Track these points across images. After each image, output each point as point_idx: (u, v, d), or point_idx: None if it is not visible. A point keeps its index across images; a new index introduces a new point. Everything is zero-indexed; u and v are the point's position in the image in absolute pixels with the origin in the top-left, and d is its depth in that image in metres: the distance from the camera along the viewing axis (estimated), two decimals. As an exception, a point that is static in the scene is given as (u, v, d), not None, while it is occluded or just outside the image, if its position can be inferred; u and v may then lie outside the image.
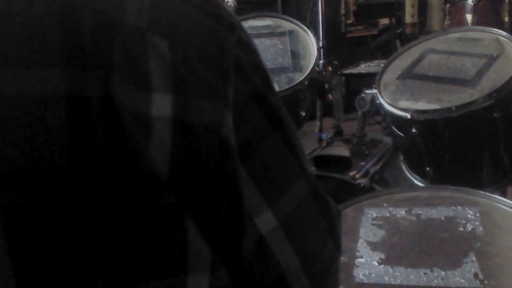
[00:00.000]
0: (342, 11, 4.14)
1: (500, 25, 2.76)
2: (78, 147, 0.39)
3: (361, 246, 0.95)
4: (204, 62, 0.44)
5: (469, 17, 2.92)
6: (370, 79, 1.64)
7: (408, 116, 1.33)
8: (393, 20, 4.33)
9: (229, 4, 2.01)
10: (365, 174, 1.53)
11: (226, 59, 0.45)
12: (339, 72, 2.30)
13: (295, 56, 1.68)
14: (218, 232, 0.45)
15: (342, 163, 1.54)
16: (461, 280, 0.82)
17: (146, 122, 0.41)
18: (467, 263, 0.86)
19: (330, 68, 2.03)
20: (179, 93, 0.42)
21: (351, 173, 1.52)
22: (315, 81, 1.68)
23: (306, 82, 1.60)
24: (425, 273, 0.85)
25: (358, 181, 1.48)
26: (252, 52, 0.48)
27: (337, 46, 3.94)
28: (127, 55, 0.41)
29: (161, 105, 0.41)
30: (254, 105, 0.47)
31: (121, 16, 0.42)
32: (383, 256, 0.91)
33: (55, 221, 0.41)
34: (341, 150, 1.62)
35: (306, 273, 0.49)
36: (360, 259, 0.91)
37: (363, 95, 1.64)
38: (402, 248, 0.93)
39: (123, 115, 0.40)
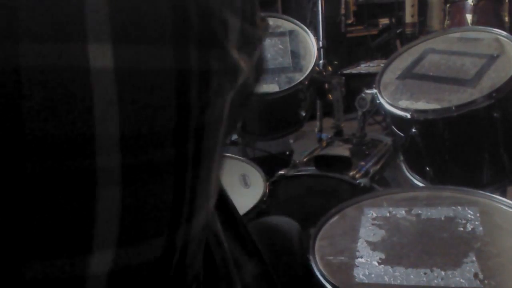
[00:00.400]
0: (342, 11, 4.14)
1: (500, 25, 2.76)
2: (183, 112, 0.47)
3: (361, 246, 0.95)
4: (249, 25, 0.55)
5: (469, 17, 2.92)
6: (370, 79, 1.64)
7: (408, 116, 1.33)
8: (393, 20, 4.33)
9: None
10: (365, 174, 1.53)
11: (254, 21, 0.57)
12: (339, 72, 2.31)
13: (295, 56, 1.68)
14: None
15: (342, 163, 1.54)
16: (461, 280, 0.82)
17: (235, 70, 0.52)
18: (467, 263, 0.86)
19: (330, 68, 2.03)
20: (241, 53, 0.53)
21: (351, 173, 1.52)
22: (315, 81, 1.68)
23: (306, 82, 1.60)
24: (425, 273, 0.85)
25: (358, 181, 1.48)
26: None
27: (337, 46, 3.94)
28: (220, 33, 0.49)
29: (239, 62, 0.52)
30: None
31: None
32: (383, 256, 0.91)
33: (165, 178, 0.48)
34: (341, 150, 1.62)
35: None
36: (360, 259, 0.91)
37: (363, 95, 1.64)
38: (402, 248, 0.93)
39: (215, 81, 0.49)
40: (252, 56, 0.58)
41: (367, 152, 1.70)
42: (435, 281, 0.83)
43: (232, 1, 0.53)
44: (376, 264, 0.89)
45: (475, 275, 0.83)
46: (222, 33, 0.50)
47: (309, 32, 1.75)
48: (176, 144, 0.48)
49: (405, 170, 1.50)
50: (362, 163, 1.60)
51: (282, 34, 1.75)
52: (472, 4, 2.90)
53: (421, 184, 1.43)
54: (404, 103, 1.38)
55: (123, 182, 0.45)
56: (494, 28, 1.53)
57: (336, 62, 2.16)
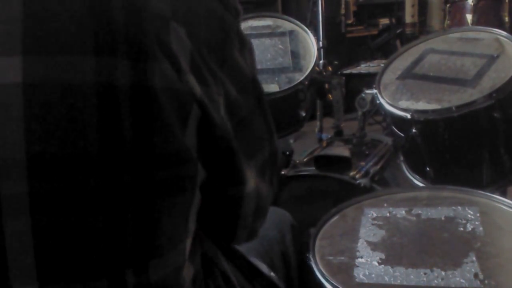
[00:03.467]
0: (342, 11, 4.14)
1: (500, 25, 2.76)
2: (107, 132, 0.41)
3: (361, 246, 0.95)
4: (211, 51, 0.48)
5: (469, 17, 2.92)
6: (370, 79, 1.64)
7: (408, 116, 1.33)
8: (393, 20, 4.33)
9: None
10: (365, 174, 1.53)
11: (227, 48, 0.51)
12: (339, 72, 2.30)
13: (295, 56, 1.68)
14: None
15: (342, 163, 1.54)
16: (461, 280, 0.82)
17: (186, 102, 0.45)
18: (467, 263, 0.86)
19: (330, 68, 2.03)
20: (197, 79, 0.46)
21: (351, 173, 1.52)
22: (315, 81, 1.68)
23: (306, 82, 1.60)
24: (425, 273, 0.85)
25: (358, 181, 1.48)
26: (244, 37, 0.55)
27: (337, 46, 3.94)
28: (160, 43, 0.43)
29: (194, 85, 0.46)
30: (246, 91, 0.54)
31: (147, 3, 0.44)
32: (383, 256, 0.91)
33: (82, 204, 0.41)
34: (341, 150, 1.62)
35: (252, 216, 0.62)
36: (360, 259, 0.91)
37: (363, 95, 1.63)
38: (402, 248, 0.93)
39: (160, 99, 0.43)
40: (228, 67, 0.51)
41: (367, 152, 1.70)
42: (435, 281, 0.83)
43: (190, 10, 0.47)
44: (376, 264, 0.89)
45: (475, 275, 0.83)
46: (165, 47, 0.44)
47: (309, 32, 1.74)
48: (101, 175, 0.41)
49: (405, 170, 1.50)
50: (362, 163, 1.60)
51: (282, 34, 1.75)
52: (472, 4, 2.90)
53: (421, 184, 1.43)
54: (404, 103, 1.38)
55: (32, 212, 0.40)
56: (494, 28, 1.53)
57: (336, 62, 2.15)
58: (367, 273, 0.87)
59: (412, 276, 0.84)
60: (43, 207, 0.41)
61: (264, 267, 0.81)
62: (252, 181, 0.57)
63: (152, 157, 0.43)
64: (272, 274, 0.82)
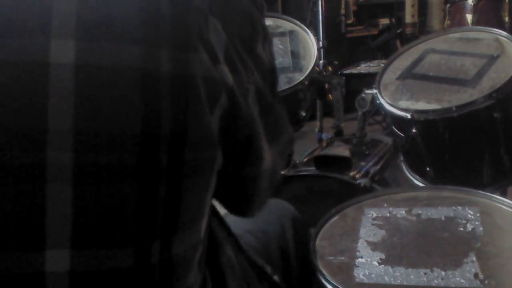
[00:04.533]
0: (342, 11, 4.14)
1: (500, 25, 2.76)
2: (148, 114, 0.45)
3: (361, 246, 0.95)
4: (242, 43, 0.53)
5: (469, 17, 2.92)
6: (370, 79, 1.64)
7: (408, 116, 1.33)
8: (393, 20, 4.33)
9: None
10: (365, 174, 1.53)
11: (254, 40, 0.56)
12: (339, 72, 2.30)
13: (295, 56, 1.68)
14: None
15: (342, 163, 1.54)
16: (461, 280, 0.82)
17: (216, 88, 0.49)
18: (467, 263, 0.86)
19: (330, 68, 2.03)
20: (231, 70, 0.51)
21: (351, 173, 1.52)
22: (315, 81, 1.67)
23: (306, 82, 1.60)
24: (425, 273, 0.85)
25: (358, 181, 1.48)
26: (267, 31, 0.61)
27: (337, 46, 3.94)
28: (201, 36, 0.48)
29: (226, 75, 0.50)
30: (266, 80, 0.59)
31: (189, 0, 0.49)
32: (383, 256, 0.91)
33: (121, 179, 0.45)
34: (341, 150, 1.62)
35: (264, 190, 0.66)
36: (360, 259, 0.91)
37: (363, 95, 1.63)
38: (402, 248, 0.93)
39: (198, 87, 0.47)
40: (258, 64, 0.57)
41: (367, 152, 1.70)
42: (435, 281, 0.83)
43: (225, 5, 0.52)
44: (376, 264, 0.89)
45: (475, 275, 0.83)
46: (204, 39, 0.48)
47: (309, 32, 1.74)
48: (141, 151, 0.45)
49: (405, 170, 1.50)
50: (362, 163, 1.60)
51: (282, 34, 1.75)
52: (472, 4, 2.90)
53: (421, 184, 1.43)
54: (404, 104, 1.38)
55: (75, 181, 0.44)
56: (494, 28, 1.53)
57: (336, 62, 2.15)
58: (367, 273, 0.87)
59: (412, 276, 0.84)
60: (85, 177, 0.44)
61: (268, 269, 0.82)
62: (268, 158, 0.62)
63: (185, 140, 0.47)
64: (276, 277, 0.82)
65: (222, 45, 0.50)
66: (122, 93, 0.44)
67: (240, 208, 0.68)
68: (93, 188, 0.44)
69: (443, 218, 1.01)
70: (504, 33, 1.48)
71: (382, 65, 1.60)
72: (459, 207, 1.03)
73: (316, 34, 2.00)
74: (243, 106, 0.54)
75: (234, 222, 0.75)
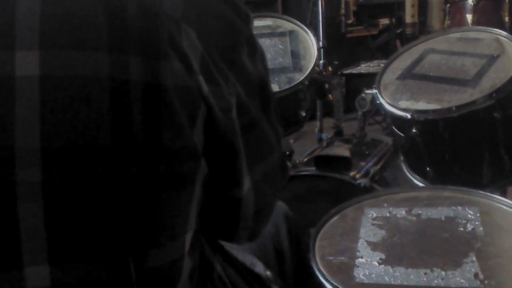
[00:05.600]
0: (342, 11, 4.14)
1: (500, 25, 2.76)
2: (119, 125, 0.43)
3: (361, 246, 0.95)
4: (220, 53, 0.50)
5: (469, 17, 2.92)
6: (370, 79, 1.64)
7: (408, 116, 1.33)
8: (393, 20, 4.33)
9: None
10: (365, 174, 1.53)
11: (236, 54, 0.53)
12: (339, 72, 2.30)
13: (295, 56, 1.68)
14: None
15: (342, 163, 1.54)
16: (462, 280, 0.82)
17: (195, 100, 0.46)
18: (467, 263, 0.86)
19: (330, 68, 2.03)
20: (206, 80, 0.48)
21: (351, 173, 1.52)
22: (315, 81, 1.68)
23: (306, 82, 1.60)
24: (425, 273, 0.85)
25: (358, 181, 1.48)
26: (255, 43, 0.57)
27: (337, 46, 3.94)
28: (172, 43, 0.45)
29: (203, 85, 0.48)
30: (254, 98, 0.56)
31: (160, 6, 0.46)
32: (383, 256, 0.91)
33: (94, 192, 0.44)
34: (341, 150, 1.62)
35: (253, 220, 0.62)
36: (360, 259, 0.91)
37: (363, 95, 1.64)
38: (402, 248, 0.93)
39: (171, 96, 0.44)
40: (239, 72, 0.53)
41: (367, 152, 1.70)
42: (435, 281, 0.83)
43: (199, 16, 0.49)
44: (376, 264, 0.89)
45: (476, 275, 0.83)
46: (177, 47, 0.46)
47: (309, 32, 1.74)
48: (112, 164, 0.43)
49: (405, 170, 1.50)
50: (362, 163, 1.60)
51: (282, 34, 1.75)
52: (472, 4, 2.90)
53: (421, 184, 1.42)
54: (404, 104, 1.38)
55: (45, 199, 0.42)
56: (494, 28, 1.53)
57: (336, 62, 2.15)
58: (367, 273, 0.87)
59: (412, 276, 0.84)
60: (55, 194, 0.43)
61: (260, 266, 0.81)
62: (248, 184, 0.58)
63: (159, 151, 0.45)
64: (268, 273, 0.82)
65: (197, 55, 0.47)
66: (90, 104, 0.42)
67: (226, 233, 0.65)
68: (64, 204, 0.43)
69: (443, 218, 1.01)
70: (504, 33, 1.47)
71: (382, 65, 1.60)
72: (459, 207, 1.03)
73: (316, 34, 2.00)
74: (221, 120, 0.51)
75: None
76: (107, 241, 0.45)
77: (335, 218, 1.06)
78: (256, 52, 0.57)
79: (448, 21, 3.09)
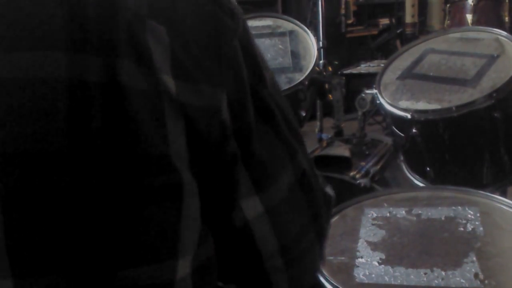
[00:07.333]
0: (342, 11, 4.15)
1: (500, 25, 2.76)
2: (77, 129, 0.40)
3: (362, 246, 0.95)
4: (203, 49, 0.45)
5: (469, 17, 2.92)
6: (370, 79, 1.64)
7: (409, 116, 1.33)
8: (393, 20, 4.33)
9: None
10: (365, 174, 1.53)
11: (224, 48, 0.47)
12: (339, 72, 2.31)
13: (295, 56, 1.68)
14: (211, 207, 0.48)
15: (342, 163, 1.54)
16: (462, 280, 0.82)
17: (157, 102, 0.42)
18: (467, 263, 0.86)
19: (330, 68, 2.03)
20: (179, 77, 0.43)
21: (351, 173, 1.52)
22: (315, 81, 1.67)
23: (306, 82, 1.60)
24: (425, 273, 0.85)
25: (358, 181, 1.48)
26: (250, 41, 0.51)
27: (337, 46, 3.94)
28: (132, 40, 0.42)
29: (169, 84, 0.42)
30: (247, 99, 0.49)
31: (123, 2, 0.42)
32: (383, 256, 0.91)
33: (54, 203, 0.41)
34: (341, 150, 1.62)
35: (283, 257, 0.53)
36: (360, 259, 0.91)
37: (363, 95, 1.64)
38: (403, 248, 0.93)
39: (130, 97, 0.40)
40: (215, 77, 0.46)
41: (367, 152, 1.70)
42: (436, 281, 0.83)
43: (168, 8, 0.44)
44: (377, 264, 0.89)
45: (476, 275, 0.83)
46: (139, 45, 0.42)
47: (309, 32, 1.74)
48: (73, 174, 0.40)
49: (405, 170, 1.50)
50: (362, 163, 1.60)
51: (282, 34, 1.75)
52: (472, 4, 2.90)
53: (421, 184, 1.42)
54: (404, 104, 1.38)
55: (4, 210, 0.40)
56: (494, 28, 1.53)
57: (336, 62, 2.16)
58: (367, 273, 0.87)
59: (412, 276, 0.84)
60: (15, 205, 0.40)
61: None
62: (257, 208, 0.50)
63: (126, 161, 0.41)
64: None
65: (166, 52, 0.43)
66: (47, 108, 0.39)
67: (255, 279, 0.55)
68: (24, 216, 0.40)
69: (443, 218, 1.01)
70: (504, 33, 1.47)
71: (382, 65, 1.60)
72: (459, 207, 1.03)
73: (316, 34, 2.00)
74: (202, 121, 0.44)
75: None
76: (69, 255, 0.42)
77: (335, 218, 1.06)
78: (247, 53, 0.51)
79: (448, 21, 3.09)
